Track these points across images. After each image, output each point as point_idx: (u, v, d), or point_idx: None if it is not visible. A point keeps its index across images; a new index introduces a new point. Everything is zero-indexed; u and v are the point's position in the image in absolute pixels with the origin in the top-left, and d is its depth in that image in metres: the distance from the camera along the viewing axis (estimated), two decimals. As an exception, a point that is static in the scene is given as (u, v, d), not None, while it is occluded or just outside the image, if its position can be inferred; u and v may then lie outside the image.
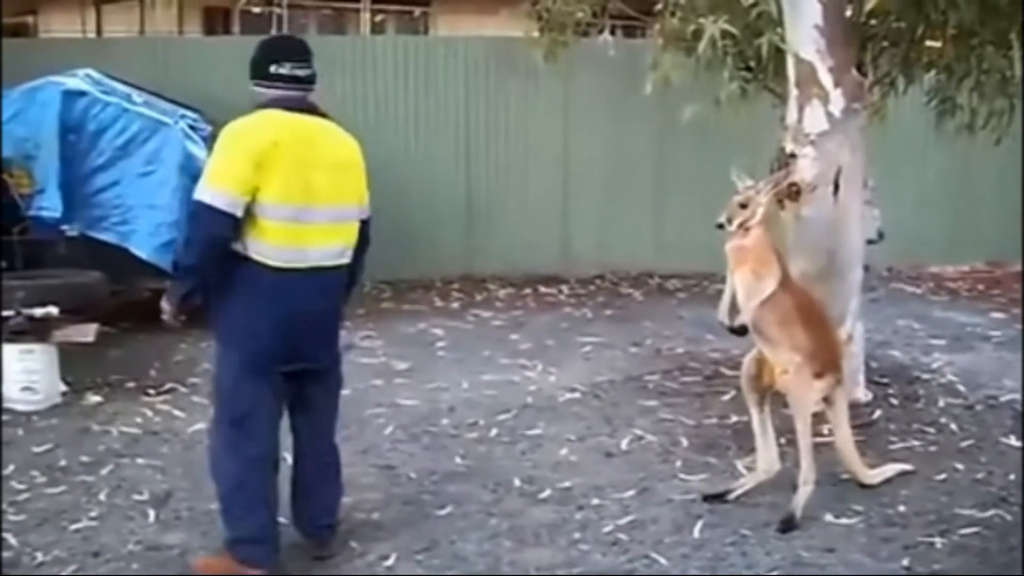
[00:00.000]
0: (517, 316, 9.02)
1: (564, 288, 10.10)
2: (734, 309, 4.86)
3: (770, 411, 4.95)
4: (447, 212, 10.47)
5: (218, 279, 3.94)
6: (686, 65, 6.89)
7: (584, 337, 8.15)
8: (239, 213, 3.84)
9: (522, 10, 9.34)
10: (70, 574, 4.20)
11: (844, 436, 4.99)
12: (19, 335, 6.38)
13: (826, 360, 4.82)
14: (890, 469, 5.16)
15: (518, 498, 5.00)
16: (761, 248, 4.82)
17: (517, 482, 5.17)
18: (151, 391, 6.66)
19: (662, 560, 4.32)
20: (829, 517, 4.68)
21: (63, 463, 5.41)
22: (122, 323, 7.81)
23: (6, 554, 4.35)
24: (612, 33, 9.87)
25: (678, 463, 5.42)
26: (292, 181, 3.92)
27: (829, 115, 5.93)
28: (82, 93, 7.81)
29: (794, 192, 5.96)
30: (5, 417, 6.14)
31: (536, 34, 9.25)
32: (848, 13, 6.02)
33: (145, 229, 7.71)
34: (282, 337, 4.01)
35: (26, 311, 6.50)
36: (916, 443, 5.68)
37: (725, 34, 6.21)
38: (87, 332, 6.75)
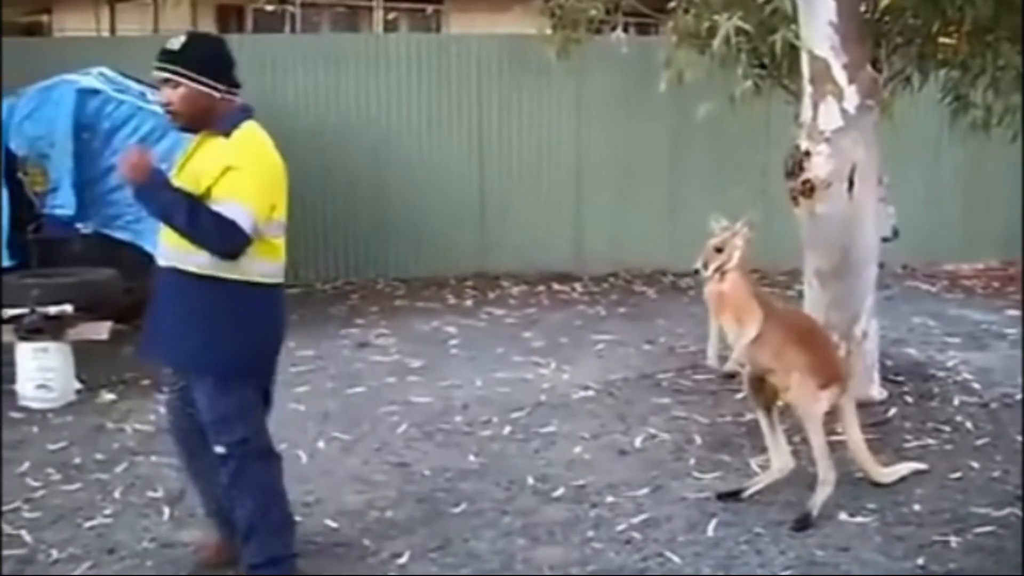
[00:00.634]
0: (530, 314, 9.01)
1: (577, 286, 10.08)
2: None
3: (779, 413, 4.93)
4: (460, 210, 10.47)
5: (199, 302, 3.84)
6: (700, 62, 6.89)
7: (597, 335, 8.14)
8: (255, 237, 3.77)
9: (535, 7, 9.33)
10: (85, 572, 4.22)
11: (855, 438, 4.97)
12: (34, 333, 6.40)
13: (829, 375, 4.80)
14: (904, 468, 5.14)
15: (532, 496, 5.00)
16: (740, 293, 4.79)
17: (531, 480, 5.17)
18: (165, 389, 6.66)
19: (676, 558, 4.32)
20: (843, 516, 4.67)
21: (78, 460, 5.43)
22: (136, 321, 7.74)
23: (21, 551, 4.37)
24: (625, 30, 9.87)
25: (692, 461, 5.41)
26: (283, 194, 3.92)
27: (844, 112, 5.91)
28: (96, 91, 7.82)
29: (808, 189, 5.95)
30: (20, 415, 6.17)
31: (549, 31, 9.25)
32: (862, 9, 6.00)
33: (159, 227, 7.70)
34: (276, 353, 4.07)
35: (41, 309, 6.53)
36: (931, 441, 5.66)
37: (739, 31, 6.20)
38: (101, 330, 6.78)
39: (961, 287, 10.13)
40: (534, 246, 10.50)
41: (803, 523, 4.56)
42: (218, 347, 3.85)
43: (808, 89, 6.02)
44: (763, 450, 5.09)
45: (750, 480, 4.99)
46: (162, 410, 4.39)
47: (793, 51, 6.25)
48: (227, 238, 3.70)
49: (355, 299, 9.67)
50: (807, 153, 5.96)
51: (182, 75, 3.77)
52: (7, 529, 4.59)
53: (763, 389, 4.88)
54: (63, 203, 7.74)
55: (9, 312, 6.57)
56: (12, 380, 6.42)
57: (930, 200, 10.48)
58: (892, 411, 6.10)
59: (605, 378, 6.92)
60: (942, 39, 6.43)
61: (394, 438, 5.83)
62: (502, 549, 4.42)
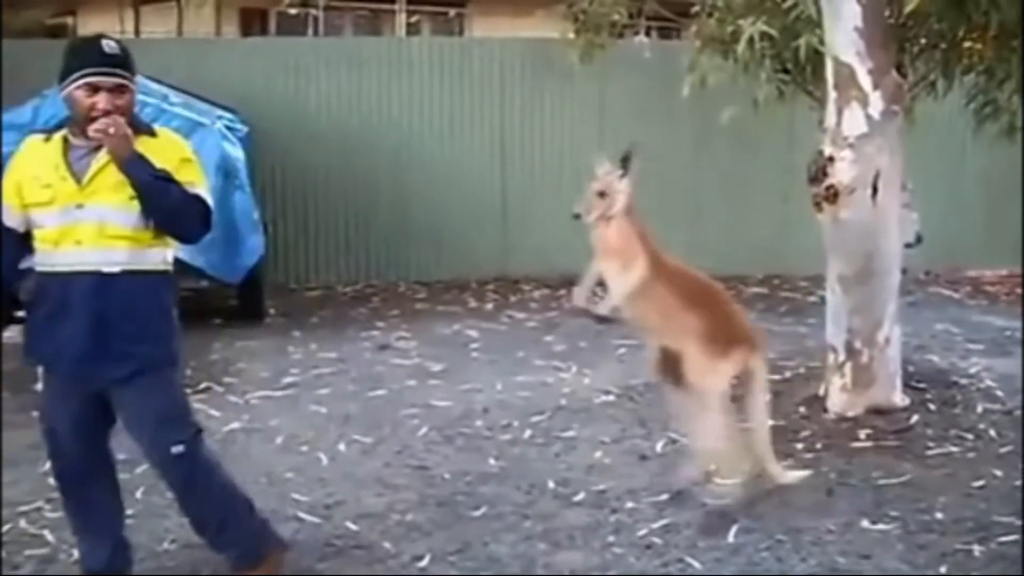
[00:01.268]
0: (551, 318, 9.00)
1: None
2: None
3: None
4: (482, 213, 10.48)
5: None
6: (723, 67, 6.88)
7: (618, 339, 8.11)
8: None
9: (558, 11, 9.34)
10: (106, 571, 4.22)
11: (761, 422, 4.69)
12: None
13: (730, 336, 4.60)
14: (795, 475, 4.90)
15: (552, 500, 4.99)
16: (625, 238, 4.60)
17: (551, 484, 5.16)
18: (186, 390, 6.66)
19: (696, 564, 4.30)
20: (865, 523, 4.64)
21: (100, 461, 5.43)
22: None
23: (43, 551, 4.40)
24: (648, 35, 9.88)
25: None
26: None
27: (868, 118, 5.88)
28: (120, 94, 7.84)
29: (832, 195, 5.92)
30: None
31: (572, 35, 9.26)
32: (887, 14, 5.98)
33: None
34: None
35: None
36: (954, 449, 5.61)
37: (763, 36, 6.19)
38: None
39: (984, 293, 10.08)
40: (555, 250, 10.45)
41: (712, 526, 4.48)
42: (171, 337, 3.88)
43: (832, 94, 5.99)
44: (781, 455, 5.06)
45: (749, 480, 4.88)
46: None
47: (817, 56, 6.23)
48: (207, 220, 3.81)
49: (376, 302, 9.68)
50: (831, 159, 5.94)
51: (131, 80, 3.78)
52: (29, 529, 4.61)
53: (672, 363, 4.64)
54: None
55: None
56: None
57: (953, 206, 10.43)
58: (915, 418, 6.05)
59: (626, 383, 6.89)
60: (967, 44, 6.40)
61: (415, 441, 5.83)
62: (522, 553, 4.41)
